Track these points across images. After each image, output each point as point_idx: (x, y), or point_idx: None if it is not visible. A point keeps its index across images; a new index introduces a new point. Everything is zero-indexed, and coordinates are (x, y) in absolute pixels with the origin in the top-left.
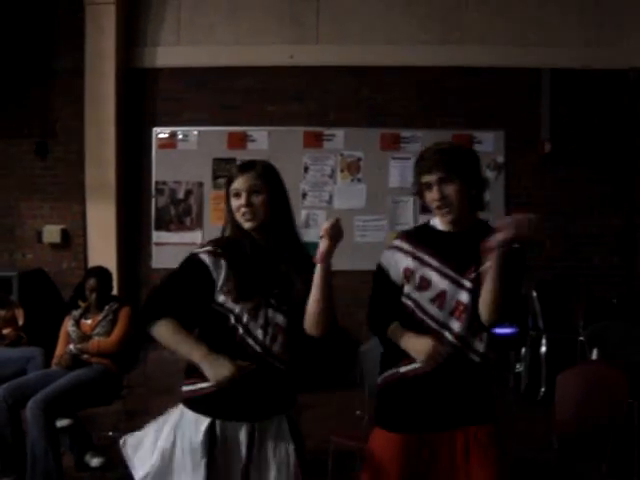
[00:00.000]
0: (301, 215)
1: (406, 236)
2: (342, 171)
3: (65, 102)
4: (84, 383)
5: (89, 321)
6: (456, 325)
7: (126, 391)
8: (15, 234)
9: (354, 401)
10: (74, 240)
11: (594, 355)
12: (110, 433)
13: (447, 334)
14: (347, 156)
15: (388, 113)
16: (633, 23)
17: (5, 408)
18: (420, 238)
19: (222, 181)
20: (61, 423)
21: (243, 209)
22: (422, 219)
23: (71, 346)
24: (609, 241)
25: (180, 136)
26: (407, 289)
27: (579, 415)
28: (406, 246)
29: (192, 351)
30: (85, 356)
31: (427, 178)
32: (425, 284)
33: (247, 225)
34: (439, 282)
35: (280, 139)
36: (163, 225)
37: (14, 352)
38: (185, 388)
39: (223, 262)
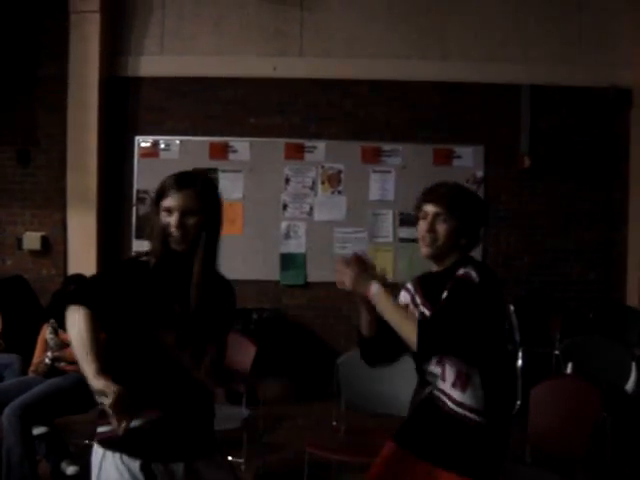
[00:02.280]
0: (281, 226)
1: (415, 278)
2: (323, 183)
3: (48, 110)
4: (61, 391)
5: None
6: (434, 369)
7: None
8: None
9: (331, 412)
10: (54, 247)
11: (569, 369)
12: (86, 441)
13: (433, 382)
14: (328, 168)
15: (369, 126)
16: (613, 41)
17: None
18: (422, 279)
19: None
20: (37, 431)
21: (173, 230)
22: (400, 232)
23: (49, 354)
24: (586, 256)
25: (162, 145)
26: None
27: (552, 428)
28: (409, 286)
29: (86, 362)
30: (62, 364)
31: (426, 207)
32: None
33: (175, 247)
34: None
35: (262, 150)
36: (144, 234)
37: None
38: (101, 429)
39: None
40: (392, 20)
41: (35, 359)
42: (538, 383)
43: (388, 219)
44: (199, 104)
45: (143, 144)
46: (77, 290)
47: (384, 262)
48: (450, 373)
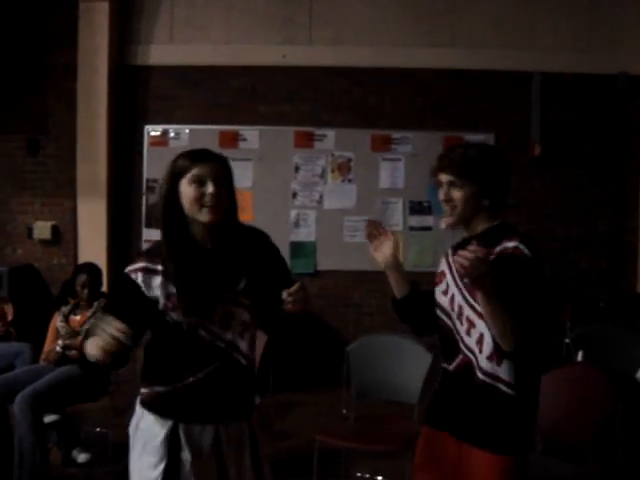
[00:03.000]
0: (291, 215)
1: (452, 246)
2: (333, 171)
3: (58, 99)
4: (72, 379)
5: (78, 317)
6: (463, 331)
7: (114, 387)
8: (6, 230)
9: (341, 400)
10: (65, 236)
11: (580, 357)
12: (97, 429)
13: (462, 346)
14: (338, 156)
15: (379, 114)
16: (623, 28)
17: None
18: (457, 247)
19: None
20: (49, 419)
21: (209, 198)
22: (411, 220)
23: (59, 342)
24: (597, 244)
25: (172, 134)
26: (436, 292)
27: (563, 417)
28: (449, 251)
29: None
30: (73, 352)
31: (440, 176)
32: (446, 288)
33: (208, 217)
34: (452, 288)
35: (271, 139)
36: (153, 222)
37: (3, 347)
38: (143, 390)
39: (158, 279)
40: (402, 7)
41: (46, 347)
42: (548, 371)
43: (398, 207)
44: (208, 93)
45: (153, 133)
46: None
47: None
48: (487, 347)
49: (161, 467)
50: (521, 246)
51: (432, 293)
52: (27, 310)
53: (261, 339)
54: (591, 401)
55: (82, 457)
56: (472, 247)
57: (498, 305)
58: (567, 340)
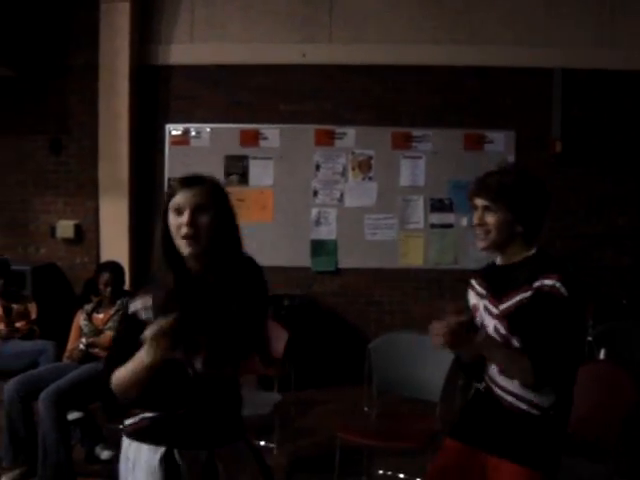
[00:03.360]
0: (312, 213)
1: (477, 273)
2: (353, 169)
3: (79, 99)
4: (95, 376)
5: (101, 315)
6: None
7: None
8: (29, 229)
9: (362, 397)
10: (87, 235)
11: (602, 355)
12: (120, 426)
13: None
14: (358, 154)
15: (400, 112)
16: None
17: (17, 400)
18: (485, 274)
19: (235, 178)
20: (72, 416)
21: (185, 228)
22: (431, 218)
23: (83, 340)
24: (619, 241)
25: (193, 133)
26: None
27: (586, 416)
28: (474, 282)
29: (138, 363)
30: (96, 350)
31: (475, 201)
32: (481, 320)
33: (187, 250)
34: (485, 317)
35: (292, 137)
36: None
37: (27, 345)
38: (128, 421)
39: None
40: (422, 4)
41: (69, 345)
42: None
43: (419, 205)
44: (229, 91)
45: (174, 132)
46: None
47: (415, 248)
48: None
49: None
50: (558, 284)
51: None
52: (50, 308)
53: (282, 337)
54: (614, 399)
55: (105, 454)
56: (436, 324)
57: (501, 353)
58: (589, 338)
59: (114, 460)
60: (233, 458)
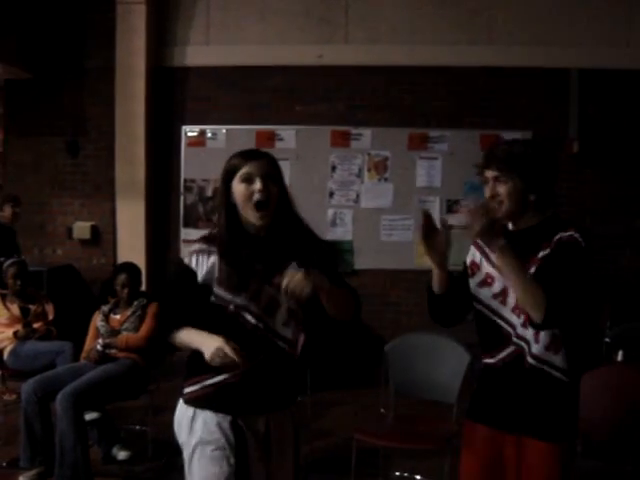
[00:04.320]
0: (328, 214)
1: None
2: (369, 170)
3: (96, 101)
4: (112, 377)
5: (118, 316)
6: (517, 322)
7: (153, 386)
8: (46, 230)
9: (379, 399)
10: (104, 236)
11: (619, 357)
12: (137, 427)
13: (514, 338)
14: (374, 155)
15: (416, 113)
16: None
17: (35, 401)
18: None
19: None
20: (89, 416)
21: (258, 194)
22: (448, 219)
23: (100, 341)
24: (637, 242)
25: (209, 134)
26: (471, 285)
27: (603, 418)
28: (480, 242)
29: (199, 342)
30: (113, 351)
31: (486, 172)
32: (490, 280)
33: (259, 221)
34: (501, 279)
35: (308, 138)
36: (191, 222)
37: (44, 346)
38: (190, 389)
39: (212, 258)
40: (437, 5)
41: (87, 346)
42: (588, 371)
43: (435, 206)
44: (245, 93)
45: (190, 133)
46: (164, 321)
47: None
48: (545, 336)
49: (232, 460)
50: (576, 234)
51: (461, 284)
52: (67, 309)
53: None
54: (632, 402)
55: (122, 454)
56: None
57: (521, 272)
58: (607, 339)
59: (131, 461)
60: (282, 424)
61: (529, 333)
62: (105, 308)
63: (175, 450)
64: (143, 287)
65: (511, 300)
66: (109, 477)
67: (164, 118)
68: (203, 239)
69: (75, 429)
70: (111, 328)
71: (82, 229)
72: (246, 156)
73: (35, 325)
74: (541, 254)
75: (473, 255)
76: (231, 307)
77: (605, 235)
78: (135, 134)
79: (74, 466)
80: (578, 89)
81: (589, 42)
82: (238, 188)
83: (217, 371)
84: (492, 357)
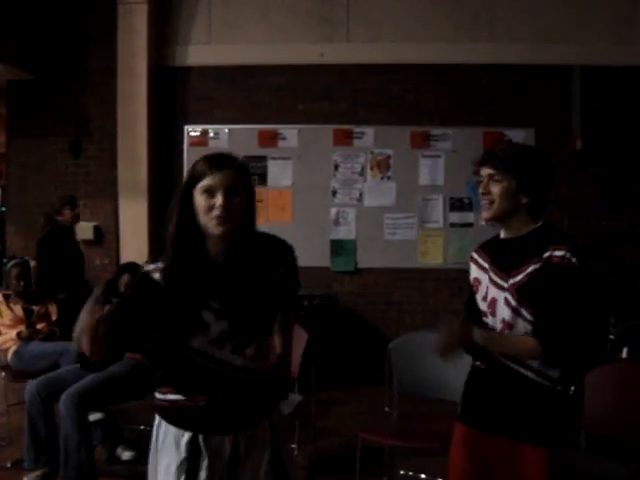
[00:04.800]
0: (331, 213)
1: (480, 246)
2: (372, 169)
3: (98, 101)
4: (116, 377)
5: None
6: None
7: None
8: None
9: (383, 398)
10: (107, 237)
11: (624, 354)
12: (141, 427)
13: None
14: (377, 154)
15: (418, 111)
16: None
17: (39, 401)
18: (488, 247)
19: (253, 178)
20: (93, 417)
21: (218, 211)
22: (451, 217)
23: None
24: None
25: (211, 134)
26: (477, 299)
27: (608, 414)
28: (476, 256)
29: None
30: None
31: (482, 170)
32: (485, 293)
33: (218, 230)
34: (492, 291)
35: (310, 137)
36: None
37: (48, 346)
38: (158, 396)
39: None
40: (439, 3)
41: None
42: (593, 369)
43: (438, 204)
44: (247, 92)
45: (192, 133)
46: None
47: (435, 248)
48: None
49: (182, 477)
50: (568, 255)
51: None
52: (70, 310)
53: (302, 338)
54: (637, 397)
55: (126, 455)
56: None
57: (505, 343)
58: (611, 336)
59: (135, 461)
60: (253, 438)
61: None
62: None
63: None
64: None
65: (500, 312)
66: (114, 477)
67: (166, 118)
68: (155, 269)
69: (79, 430)
70: None
71: (85, 229)
72: (211, 164)
73: (38, 326)
74: (532, 267)
75: (473, 271)
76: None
77: (608, 232)
78: (137, 134)
79: (78, 466)
80: (581, 86)
81: (591, 39)
82: (199, 199)
83: (179, 389)
84: (482, 362)
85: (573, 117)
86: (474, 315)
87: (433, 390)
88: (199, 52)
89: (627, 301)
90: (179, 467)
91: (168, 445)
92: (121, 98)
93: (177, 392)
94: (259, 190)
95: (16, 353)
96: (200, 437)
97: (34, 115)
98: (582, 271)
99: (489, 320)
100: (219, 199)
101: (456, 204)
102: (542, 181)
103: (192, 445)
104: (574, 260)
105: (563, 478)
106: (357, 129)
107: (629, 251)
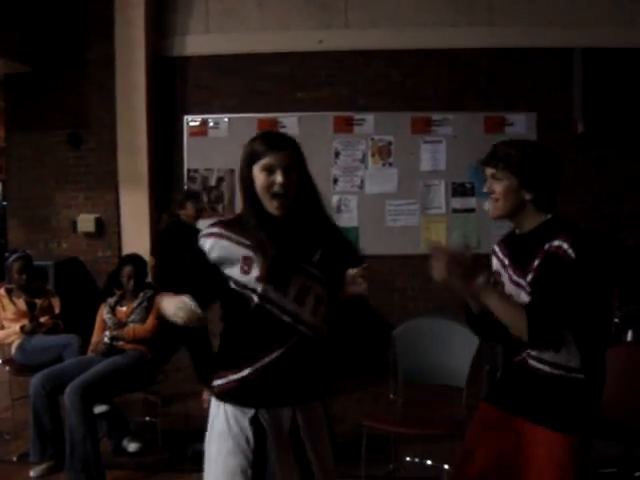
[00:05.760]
0: (332, 201)
1: (501, 239)
2: (373, 155)
3: (97, 92)
4: (121, 369)
5: (124, 308)
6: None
7: (162, 377)
8: (50, 224)
9: (387, 385)
10: (108, 229)
11: (629, 337)
12: (147, 419)
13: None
14: (378, 140)
15: (419, 96)
16: None
17: (43, 395)
18: (508, 242)
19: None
20: (99, 410)
21: (278, 187)
22: (453, 202)
23: (107, 333)
24: None
25: (211, 123)
26: None
27: (613, 397)
28: (497, 249)
29: (165, 301)
30: (120, 343)
31: (486, 171)
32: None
33: (277, 211)
34: (508, 286)
35: (310, 124)
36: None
37: (51, 339)
38: (217, 382)
39: (226, 242)
40: None
41: (94, 339)
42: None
43: (440, 190)
44: (246, 81)
45: (192, 123)
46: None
47: (437, 234)
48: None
49: (249, 455)
50: (565, 246)
51: None
52: (73, 303)
53: None
54: None
55: (132, 446)
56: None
57: (499, 303)
58: (616, 320)
59: (141, 453)
60: (311, 416)
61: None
62: (111, 300)
63: (185, 441)
64: (149, 278)
65: None
66: (120, 469)
67: (165, 108)
68: (221, 223)
69: (84, 422)
70: (118, 320)
71: (86, 222)
72: (270, 145)
73: (42, 319)
74: (537, 262)
75: (495, 263)
76: (254, 297)
77: (612, 215)
78: (137, 125)
79: (84, 459)
80: (582, 69)
81: (592, 21)
82: (259, 176)
83: (241, 367)
84: (514, 357)
85: (575, 100)
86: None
87: (438, 376)
88: (197, 42)
89: (631, 284)
90: (245, 446)
91: (229, 426)
92: (120, 89)
93: (242, 364)
94: None
95: (20, 347)
96: (261, 414)
97: (33, 108)
98: (578, 265)
99: None
100: (279, 177)
101: (458, 189)
102: (545, 176)
103: (255, 423)
104: (570, 252)
105: (584, 465)
106: (357, 116)
107: (633, 234)
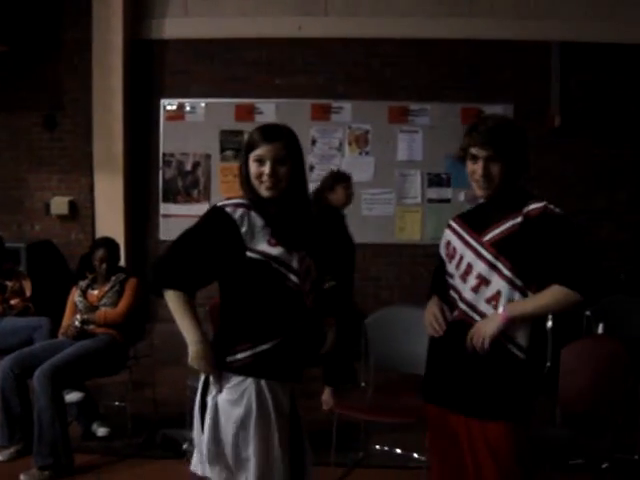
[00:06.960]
0: (309, 188)
1: (458, 215)
2: (350, 144)
3: (73, 75)
4: (91, 353)
5: (96, 292)
6: (482, 306)
7: (132, 362)
8: (24, 206)
9: (359, 373)
10: (82, 212)
11: (600, 329)
12: (116, 403)
13: (475, 316)
14: (355, 129)
15: (396, 86)
16: None
17: (12, 377)
18: (466, 215)
19: (230, 153)
20: (74, 397)
21: (266, 177)
22: (429, 193)
23: (78, 317)
24: (617, 216)
25: (188, 108)
26: (448, 266)
27: (583, 390)
28: (453, 223)
29: (189, 332)
30: (91, 327)
31: (476, 151)
32: (459, 259)
33: (266, 193)
34: (465, 252)
35: (288, 111)
36: (170, 197)
37: (21, 322)
38: (239, 356)
39: (254, 214)
40: None
41: (64, 322)
42: (568, 344)
43: (416, 180)
44: (224, 66)
45: (169, 107)
46: (167, 268)
47: (412, 223)
48: (486, 290)
49: (253, 416)
50: (550, 206)
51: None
52: (45, 285)
53: None
54: (611, 374)
55: (101, 431)
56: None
57: (533, 306)
58: (587, 313)
59: (110, 437)
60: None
61: (480, 299)
62: (83, 284)
63: (154, 426)
64: (122, 262)
65: (462, 267)
66: (88, 453)
67: (142, 92)
68: (236, 203)
69: (53, 405)
70: (89, 304)
71: (60, 204)
72: (263, 136)
73: (12, 302)
74: (510, 223)
75: (448, 234)
76: (275, 265)
77: (586, 209)
78: (113, 108)
79: (53, 443)
80: (560, 62)
81: (571, 15)
82: (252, 166)
83: (262, 340)
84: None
85: (552, 93)
86: (440, 286)
87: (409, 365)
88: (175, 25)
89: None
90: (249, 410)
91: (261, 400)
92: (96, 71)
93: (262, 343)
94: (234, 165)
95: None
96: (263, 383)
97: (8, 88)
98: (567, 218)
99: (457, 283)
100: (267, 168)
101: (434, 180)
102: (525, 152)
103: (258, 391)
104: (557, 210)
105: (529, 451)
106: (335, 104)
107: (606, 228)
